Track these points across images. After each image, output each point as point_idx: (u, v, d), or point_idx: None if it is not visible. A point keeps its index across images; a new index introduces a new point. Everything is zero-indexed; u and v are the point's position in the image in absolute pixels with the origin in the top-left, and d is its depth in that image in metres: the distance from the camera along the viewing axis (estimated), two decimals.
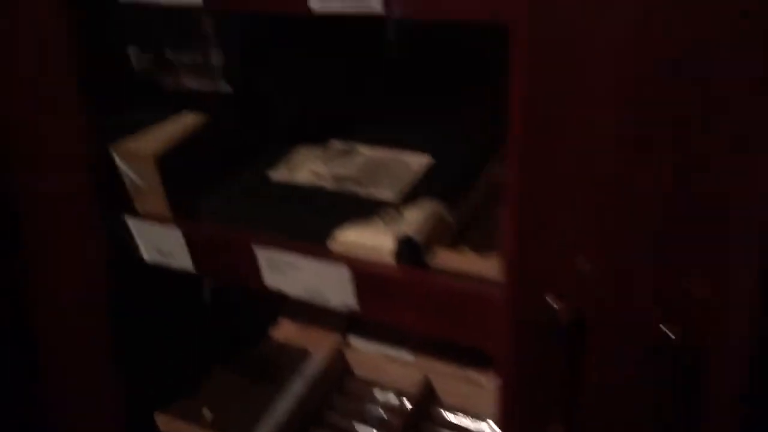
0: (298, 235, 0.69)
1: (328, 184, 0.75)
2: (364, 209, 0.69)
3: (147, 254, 0.81)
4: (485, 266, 0.60)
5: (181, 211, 0.78)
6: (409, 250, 0.64)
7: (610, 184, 0.50)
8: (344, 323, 0.97)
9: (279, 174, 0.79)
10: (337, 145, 0.83)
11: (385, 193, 0.72)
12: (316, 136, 0.84)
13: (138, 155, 0.75)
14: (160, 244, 0.79)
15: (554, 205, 0.52)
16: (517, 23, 0.49)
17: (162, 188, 0.76)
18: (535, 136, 0.51)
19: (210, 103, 0.78)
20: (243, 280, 0.76)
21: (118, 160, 0.77)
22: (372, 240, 0.65)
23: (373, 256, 0.66)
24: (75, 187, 0.77)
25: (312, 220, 0.69)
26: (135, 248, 0.81)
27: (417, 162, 0.77)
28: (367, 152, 0.80)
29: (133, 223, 0.79)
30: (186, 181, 0.78)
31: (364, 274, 0.66)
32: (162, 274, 0.80)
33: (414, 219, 0.66)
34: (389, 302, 0.66)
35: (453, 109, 0.83)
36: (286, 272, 0.71)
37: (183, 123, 0.79)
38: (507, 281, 0.55)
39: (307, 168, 0.79)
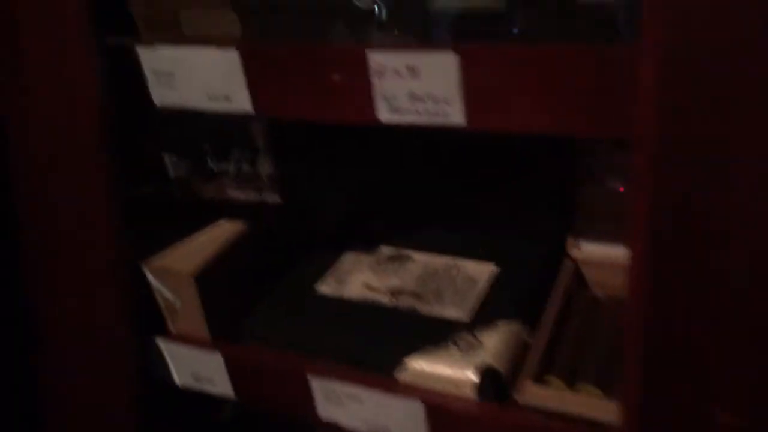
0: (361, 362, 0.62)
1: (384, 299, 0.68)
2: (432, 332, 0.62)
3: (180, 379, 0.73)
4: (584, 405, 0.53)
5: (221, 333, 0.70)
6: (492, 383, 0.57)
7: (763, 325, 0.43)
8: None
9: (327, 286, 0.72)
10: (386, 251, 0.76)
11: (452, 311, 0.65)
12: (363, 241, 0.77)
13: (174, 273, 0.68)
14: (197, 368, 0.71)
15: (690, 347, 0.45)
16: (643, 138, 0.43)
17: (200, 308, 0.68)
18: (666, 262, 0.45)
19: (252, 212, 0.72)
20: (292, 410, 0.68)
21: (151, 278, 0.70)
22: (449, 371, 0.58)
23: (449, 389, 0.58)
24: (103, 308, 0.70)
25: (377, 345, 0.62)
26: (167, 373, 0.73)
27: (480, 271, 0.70)
28: (421, 259, 0.74)
29: (166, 346, 0.72)
30: (226, 300, 0.71)
31: (441, 410, 0.58)
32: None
33: (494, 345, 0.59)
34: None
35: (509, 212, 0.77)
36: (346, 404, 0.63)
37: (221, 234, 0.72)
38: (626, 428, 0.47)
39: (358, 279, 0.72)
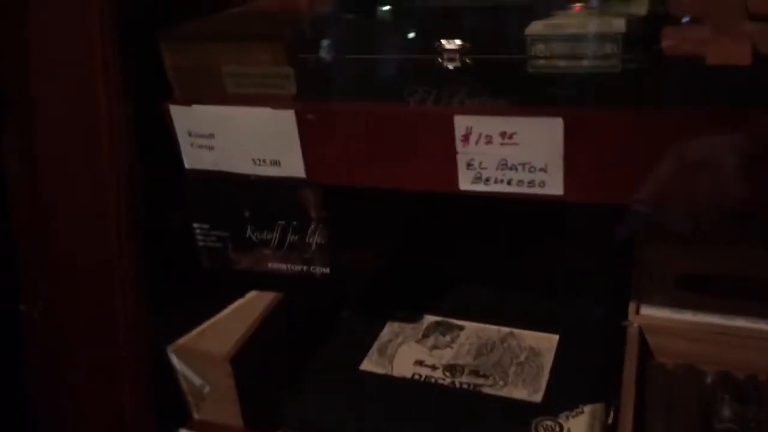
0: None
1: (440, 378, 0.62)
2: (506, 417, 0.56)
3: None
4: None
5: (255, 420, 0.63)
6: None
7: None
8: None
9: (372, 363, 0.65)
10: (431, 320, 0.70)
11: (522, 390, 0.59)
12: (404, 309, 0.71)
13: (206, 356, 0.60)
14: None
15: None
16: None
17: (234, 393, 0.61)
18: None
19: (286, 282, 0.65)
20: None
21: (176, 362, 0.62)
22: None
23: None
24: (122, 396, 0.61)
25: None
26: None
27: (542, 342, 0.65)
28: (472, 329, 0.68)
29: None
30: (262, 383, 0.63)
31: None
32: None
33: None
34: None
35: (563, 275, 0.72)
36: None
37: (252, 309, 0.65)
38: None
39: (406, 354, 0.65)
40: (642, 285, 0.68)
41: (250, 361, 0.61)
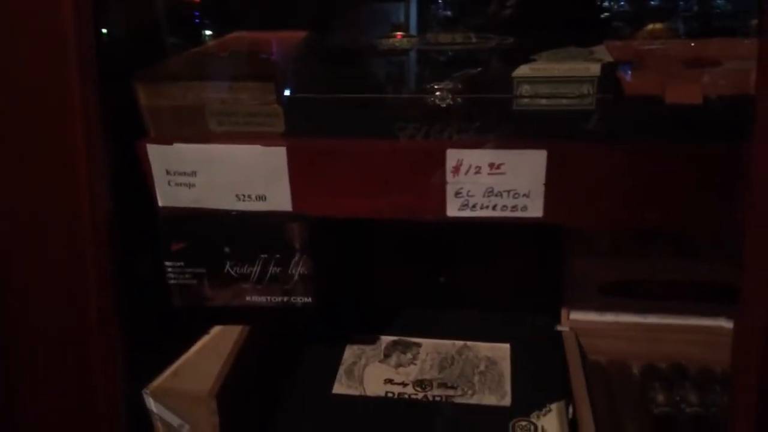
0: None
1: (415, 394, 0.65)
2: (485, 423, 0.61)
3: None
4: None
5: None
6: None
7: None
8: None
9: (344, 387, 0.67)
10: (387, 340, 0.73)
11: (491, 397, 0.64)
12: (358, 332, 0.74)
13: (187, 395, 0.59)
14: None
15: None
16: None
17: (218, 431, 0.60)
18: None
19: (252, 315, 0.66)
20: None
21: (153, 405, 0.60)
22: None
23: None
24: None
25: None
26: None
27: (495, 352, 0.70)
28: (428, 345, 0.72)
29: None
30: (244, 417, 0.63)
31: None
32: None
33: (555, 429, 0.60)
34: None
35: (499, 290, 0.79)
36: None
37: (221, 344, 0.65)
38: None
39: (374, 374, 0.68)
40: (570, 293, 0.76)
41: (231, 396, 0.61)
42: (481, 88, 0.51)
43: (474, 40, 0.59)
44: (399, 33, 0.64)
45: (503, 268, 0.81)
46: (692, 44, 0.61)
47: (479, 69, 0.53)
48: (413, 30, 0.68)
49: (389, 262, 0.81)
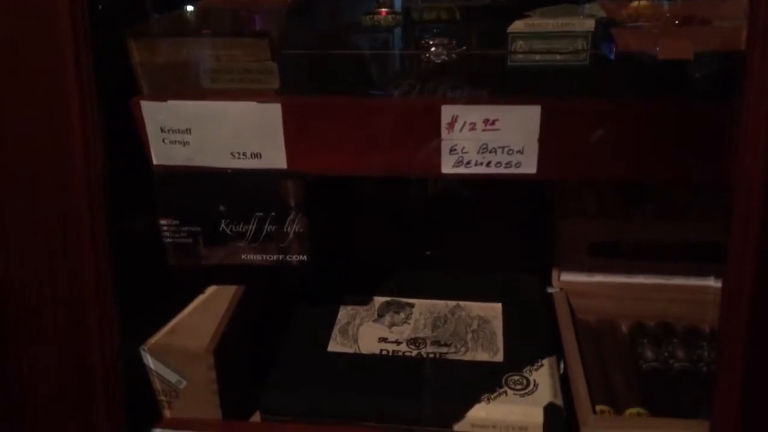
0: (413, 420, 0.60)
1: (409, 351, 0.66)
2: (478, 378, 0.62)
3: None
4: (667, 428, 0.57)
5: (233, 411, 0.63)
6: (557, 420, 0.58)
7: None
8: None
9: (338, 345, 0.68)
10: (380, 301, 0.74)
11: (484, 354, 0.65)
12: (351, 293, 0.75)
13: (185, 352, 0.60)
14: None
15: None
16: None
17: (214, 387, 0.61)
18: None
19: (247, 275, 0.66)
20: None
21: (150, 361, 0.61)
22: (515, 416, 0.58)
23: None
24: (98, 400, 0.59)
25: (428, 401, 0.60)
26: None
27: (487, 311, 0.71)
28: (422, 305, 0.73)
29: None
30: (239, 374, 0.64)
31: None
32: None
33: (545, 382, 0.61)
34: None
35: (493, 251, 0.80)
36: None
37: (218, 302, 0.66)
38: None
39: (368, 333, 0.69)
40: (560, 255, 0.78)
41: (228, 352, 0.62)
42: (475, 44, 0.52)
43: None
44: (384, 10, 0.63)
45: (495, 231, 0.82)
46: (682, 3, 0.61)
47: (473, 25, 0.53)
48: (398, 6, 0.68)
49: (382, 224, 0.82)
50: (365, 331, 0.70)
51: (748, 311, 0.50)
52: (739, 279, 0.50)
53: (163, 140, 0.57)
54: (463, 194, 0.81)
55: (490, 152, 0.53)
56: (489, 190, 0.81)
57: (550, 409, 0.59)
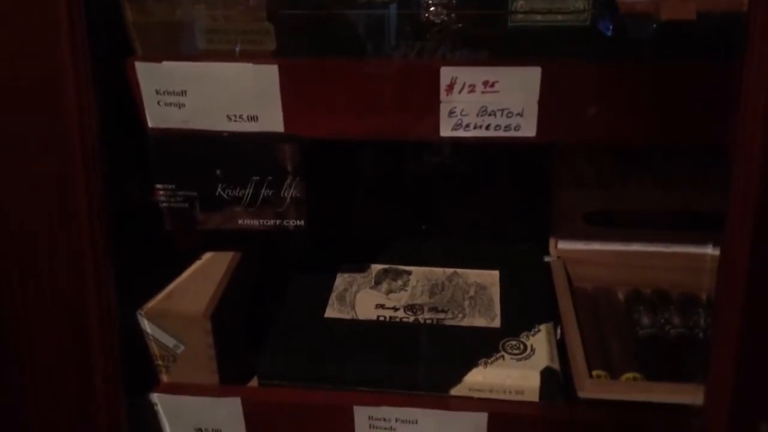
0: (411, 385, 0.60)
1: (406, 318, 0.67)
2: (476, 344, 0.62)
3: None
4: (661, 391, 0.57)
5: (230, 376, 0.63)
6: (554, 384, 0.59)
7: None
8: None
9: (335, 312, 0.68)
10: (377, 268, 0.74)
11: (481, 320, 0.66)
12: (348, 261, 0.75)
13: (181, 316, 0.60)
14: (202, 419, 0.63)
15: None
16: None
17: (212, 351, 0.61)
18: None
19: (245, 241, 0.66)
20: None
21: (147, 326, 0.61)
22: (513, 380, 0.58)
23: (510, 397, 0.59)
24: (95, 365, 0.59)
25: (425, 366, 0.60)
26: (157, 429, 0.64)
27: (485, 278, 0.72)
28: (419, 273, 0.73)
29: (163, 401, 0.63)
30: (236, 340, 0.64)
31: (506, 418, 0.59)
32: None
33: (542, 347, 0.61)
34: None
35: (491, 219, 0.80)
36: (397, 429, 0.60)
37: (215, 267, 0.65)
38: (714, 409, 0.52)
39: (365, 300, 0.69)
40: (558, 224, 0.78)
41: (225, 317, 0.61)
42: (475, 4, 0.51)
43: None
44: None
45: (493, 200, 0.82)
46: None
47: None
48: None
49: (380, 192, 0.81)
50: (362, 298, 0.70)
51: (746, 272, 0.50)
52: (737, 242, 0.50)
53: (158, 102, 0.56)
54: (462, 163, 0.81)
55: (490, 115, 0.53)
56: (488, 159, 0.80)
57: (546, 373, 0.59)
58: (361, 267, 0.74)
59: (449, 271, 0.73)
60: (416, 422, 0.60)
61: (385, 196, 0.82)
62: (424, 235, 0.80)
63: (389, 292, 0.71)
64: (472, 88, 0.52)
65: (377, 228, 0.80)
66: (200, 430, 0.64)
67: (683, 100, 0.50)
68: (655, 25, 0.48)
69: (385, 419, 0.60)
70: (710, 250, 0.74)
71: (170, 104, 0.56)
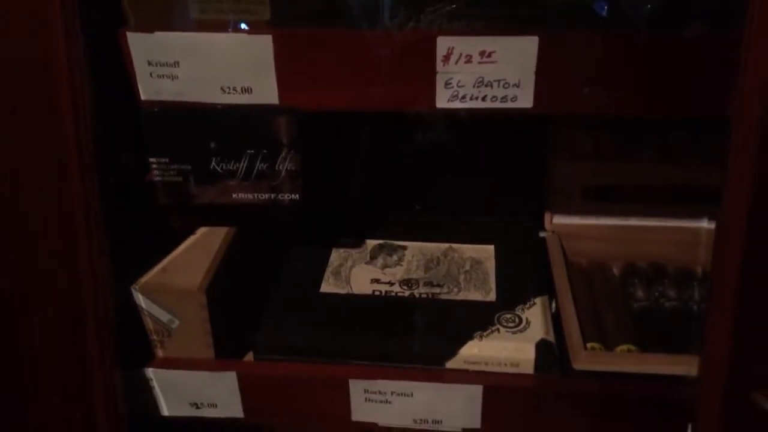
0: (407, 359, 0.60)
1: (401, 292, 0.66)
2: (471, 317, 0.62)
3: (170, 409, 0.65)
4: (657, 362, 0.58)
5: (226, 351, 0.63)
6: (549, 356, 0.59)
7: None
8: None
9: (331, 286, 0.68)
10: (372, 244, 0.74)
11: (476, 294, 0.66)
12: (343, 236, 0.74)
13: (176, 291, 0.60)
14: (197, 394, 0.63)
15: None
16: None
17: (207, 326, 0.61)
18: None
19: (240, 217, 0.66)
20: (318, 420, 0.64)
21: (142, 300, 0.61)
22: (508, 353, 0.59)
23: (505, 369, 0.59)
24: (90, 341, 0.59)
25: (423, 338, 0.61)
26: (152, 404, 0.64)
27: (480, 253, 0.71)
28: (414, 248, 0.73)
29: (158, 375, 0.63)
30: (231, 314, 0.64)
31: (501, 390, 0.59)
32: None
33: (538, 320, 0.61)
34: (529, 415, 0.60)
35: (485, 194, 0.79)
36: (392, 402, 0.61)
37: (209, 243, 0.65)
38: (709, 379, 0.52)
39: (360, 275, 0.69)
40: (554, 198, 0.77)
41: (220, 291, 0.61)
42: None
43: None
44: None
45: (488, 174, 0.82)
46: None
47: None
48: None
49: (375, 168, 0.81)
50: (358, 273, 0.70)
51: (743, 244, 0.50)
52: (733, 214, 0.50)
53: (151, 74, 0.55)
54: (458, 137, 0.80)
55: (486, 86, 0.52)
56: (484, 134, 0.80)
57: (541, 346, 0.59)
58: (356, 242, 0.74)
59: (444, 246, 0.73)
60: (411, 395, 0.60)
61: (380, 170, 0.81)
62: (420, 210, 0.79)
63: (384, 267, 0.71)
64: (469, 59, 0.51)
65: (372, 203, 0.80)
66: (196, 404, 0.64)
67: (683, 70, 0.50)
68: None
69: (380, 392, 0.60)
70: (706, 224, 0.75)
71: (163, 76, 0.55)
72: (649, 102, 0.51)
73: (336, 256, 0.72)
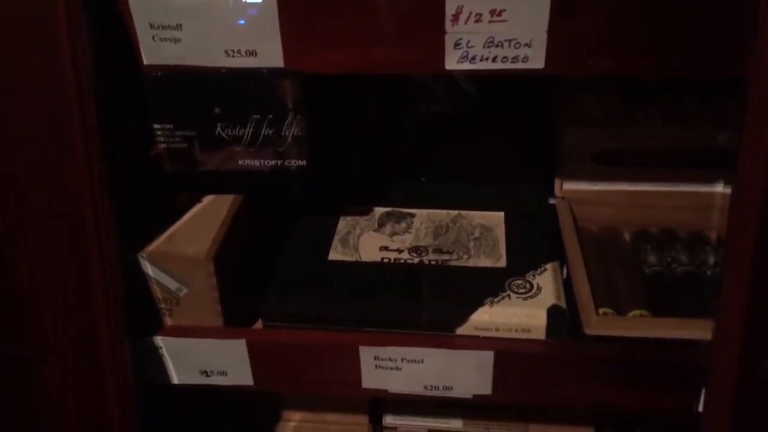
0: (417, 325, 0.60)
1: (410, 259, 0.66)
2: (481, 283, 0.62)
3: (180, 377, 0.64)
4: (670, 327, 0.57)
5: (235, 318, 0.63)
6: (561, 322, 0.58)
7: None
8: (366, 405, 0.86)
9: (339, 254, 0.67)
10: (380, 211, 0.73)
11: (486, 260, 0.65)
12: (351, 204, 0.74)
13: (184, 258, 0.59)
14: (207, 362, 0.63)
15: None
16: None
17: (216, 294, 0.60)
18: None
19: (246, 184, 0.65)
20: (328, 388, 0.64)
21: (149, 268, 0.60)
22: (519, 318, 0.58)
23: (516, 335, 0.59)
24: (98, 310, 0.58)
25: (433, 304, 0.60)
26: (162, 372, 0.64)
27: (489, 219, 0.71)
28: (422, 215, 0.72)
29: (167, 343, 0.63)
30: (239, 282, 0.63)
31: (512, 356, 0.59)
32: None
33: (549, 286, 0.61)
34: (540, 381, 0.60)
35: (495, 160, 0.78)
36: (402, 369, 0.60)
37: (216, 210, 0.64)
38: (724, 343, 0.52)
39: (368, 242, 0.68)
40: (564, 164, 0.76)
41: (228, 259, 0.61)
42: None
43: None
44: None
45: (498, 140, 0.81)
46: None
47: None
48: None
49: (383, 134, 0.80)
50: (366, 241, 0.69)
51: (759, 207, 0.49)
52: (750, 178, 0.49)
53: (153, 37, 0.54)
54: (467, 103, 0.79)
55: (497, 46, 0.51)
56: (493, 99, 0.79)
57: (553, 311, 0.58)
58: (364, 210, 0.73)
59: (453, 213, 0.72)
60: (422, 362, 0.60)
61: (388, 137, 0.80)
62: (428, 177, 0.78)
63: (393, 234, 0.70)
64: (479, 18, 0.50)
65: (380, 170, 0.79)
66: (205, 372, 0.64)
67: (698, 29, 0.48)
68: None
69: (391, 359, 0.60)
70: (720, 188, 0.74)
71: (165, 39, 0.54)
72: (666, 62, 0.50)
73: (344, 224, 0.72)
